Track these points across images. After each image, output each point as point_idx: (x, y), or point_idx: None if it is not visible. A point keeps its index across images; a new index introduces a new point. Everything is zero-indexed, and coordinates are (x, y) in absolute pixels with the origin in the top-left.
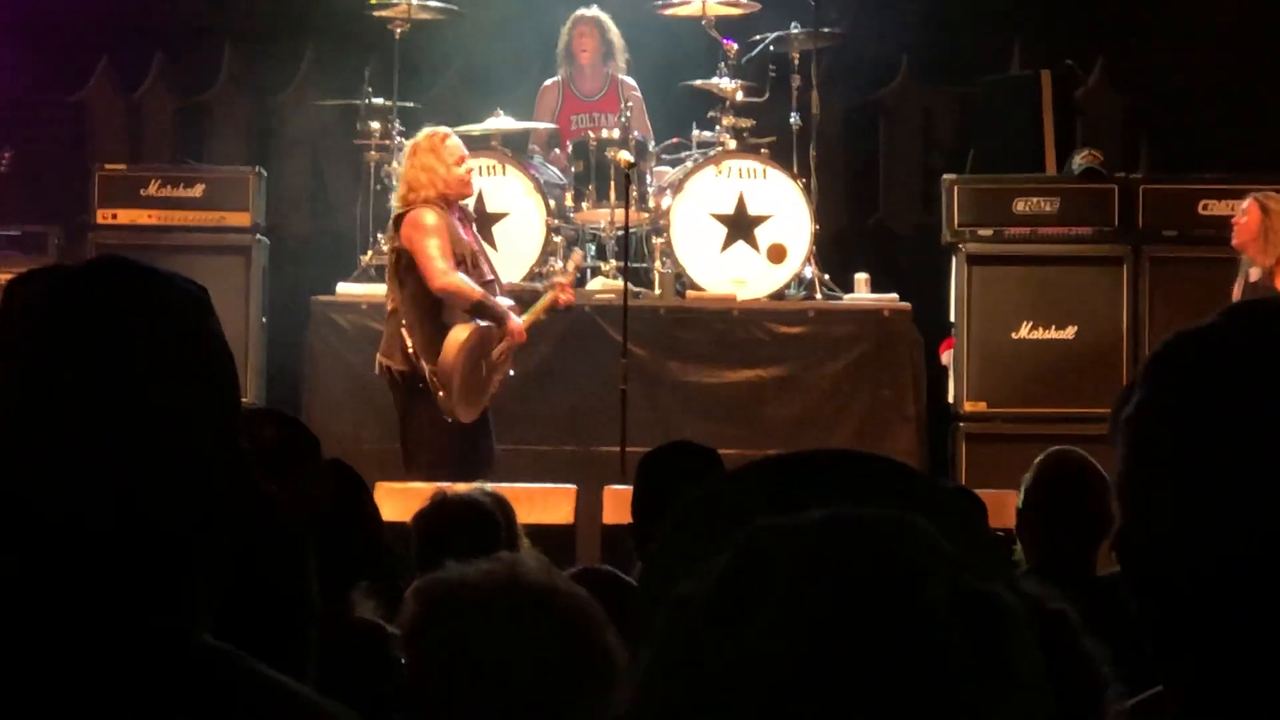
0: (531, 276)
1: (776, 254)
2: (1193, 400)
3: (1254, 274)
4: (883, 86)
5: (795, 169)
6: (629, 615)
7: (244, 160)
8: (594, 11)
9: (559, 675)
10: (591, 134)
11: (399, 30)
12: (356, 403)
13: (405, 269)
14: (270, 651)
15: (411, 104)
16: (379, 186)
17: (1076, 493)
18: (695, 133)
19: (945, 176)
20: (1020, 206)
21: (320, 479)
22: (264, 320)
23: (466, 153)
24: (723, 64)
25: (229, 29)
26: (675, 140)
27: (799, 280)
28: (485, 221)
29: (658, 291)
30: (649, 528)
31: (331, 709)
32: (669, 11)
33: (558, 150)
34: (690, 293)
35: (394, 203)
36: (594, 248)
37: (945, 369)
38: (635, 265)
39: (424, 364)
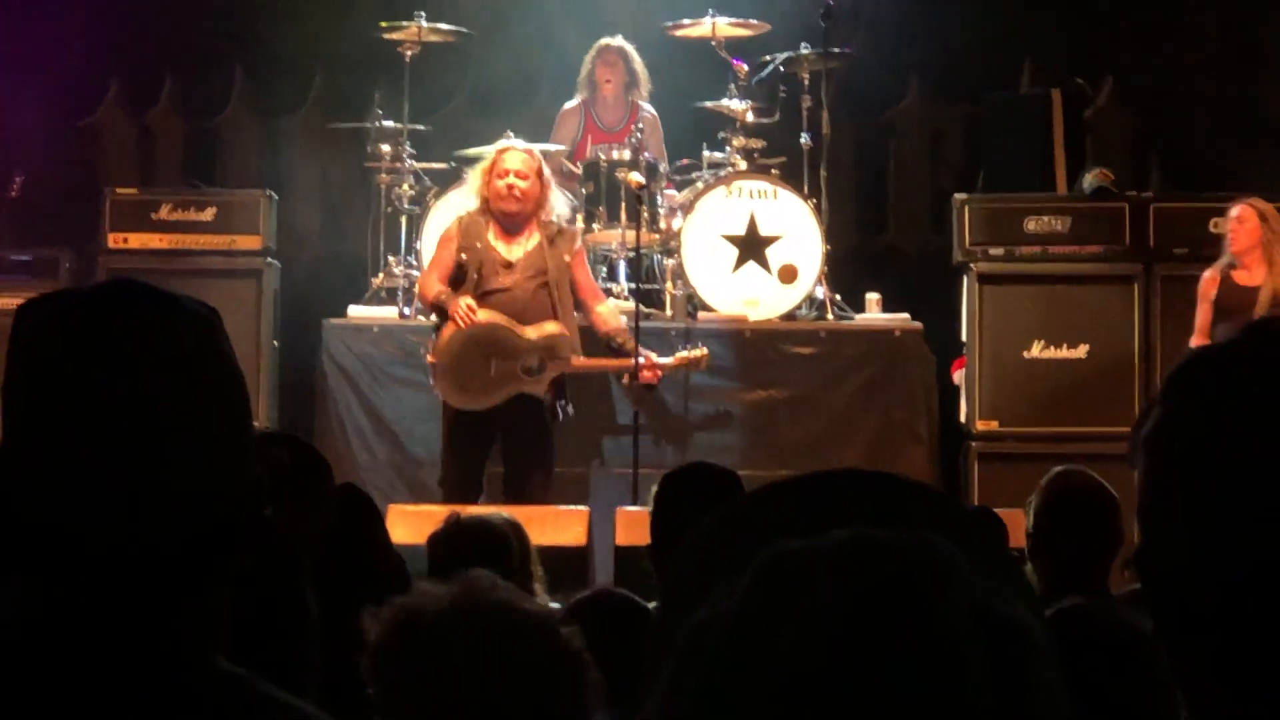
0: None
1: (788, 274)
2: (1211, 418)
3: (1240, 277)
4: (893, 106)
5: (806, 189)
6: (647, 638)
7: (255, 183)
8: (619, 42)
9: (518, 690)
10: (602, 155)
11: (409, 53)
12: (368, 425)
13: None
14: (270, 672)
15: (422, 126)
16: (389, 209)
17: (1085, 512)
18: (706, 154)
19: (956, 196)
20: (1031, 225)
21: (331, 502)
22: (275, 343)
23: (511, 167)
24: (733, 85)
25: (240, 53)
26: (686, 161)
27: (810, 301)
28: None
29: (669, 313)
30: (667, 549)
31: None
32: (679, 33)
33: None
34: (702, 314)
35: None
36: (605, 269)
37: (957, 388)
38: (646, 287)
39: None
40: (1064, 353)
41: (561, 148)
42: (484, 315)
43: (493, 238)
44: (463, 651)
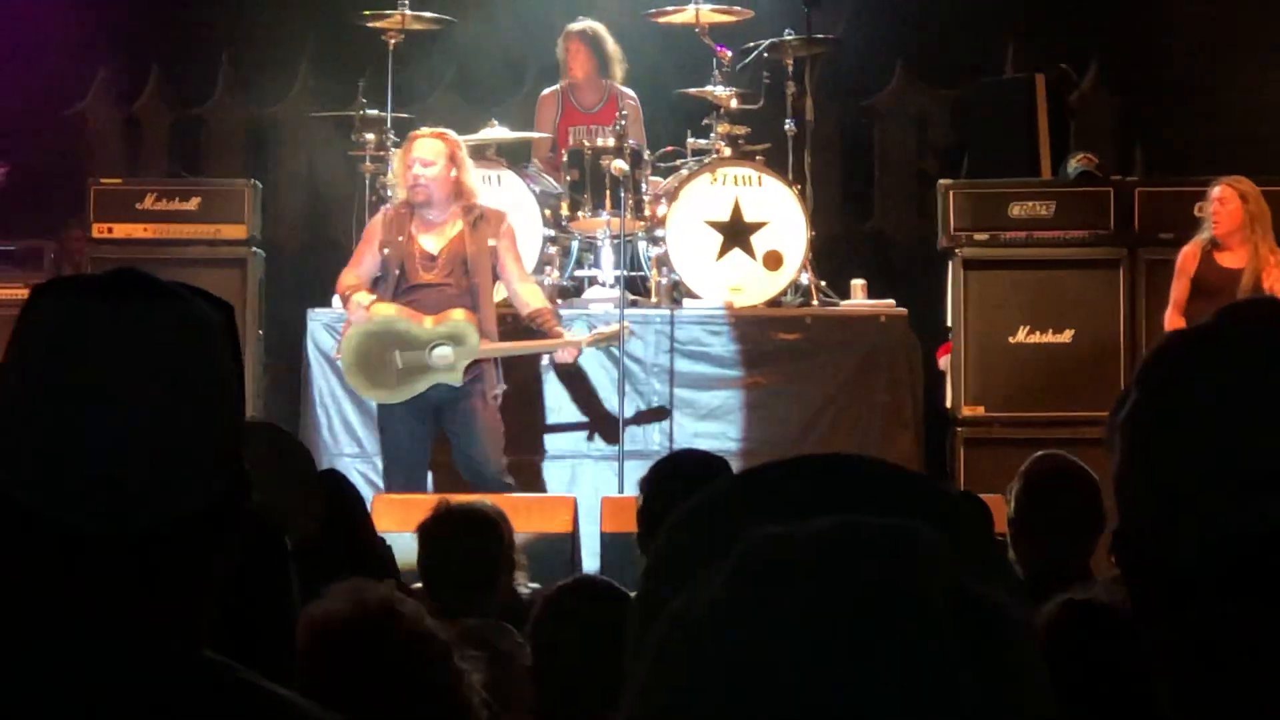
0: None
1: (773, 261)
2: (1186, 402)
3: (1223, 258)
4: (877, 92)
5: (790, 176)
6: (627, 624)
7: (240, 173)
8: (584, 24)
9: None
10: (587, 143)
11: (393, 41)
12: (354, 414)
13: None
14: (253, 660)
15: (406, 115)
16: (374, 198)
17: (1066, 496)
18: (690, 141)
19: (941, 181)
20: (1016, 210)
21: (314, 491)
22: (260, 333)
23: (417, 155)
24: (717, 71)
25: (225, 42)
26: (670, 148)
27: (796, 287)
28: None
29: (655, 299)
30: (653, 535)
31: None
32: (663, 19)
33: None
34: (687, 300)
35: None
36: (591, 256)
37: (943, 374)
38: (632, 274)
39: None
40: (1049, 338)
41: (545, 135)
42: (381, 309)
43: (416, 230)
44: (351, 662)
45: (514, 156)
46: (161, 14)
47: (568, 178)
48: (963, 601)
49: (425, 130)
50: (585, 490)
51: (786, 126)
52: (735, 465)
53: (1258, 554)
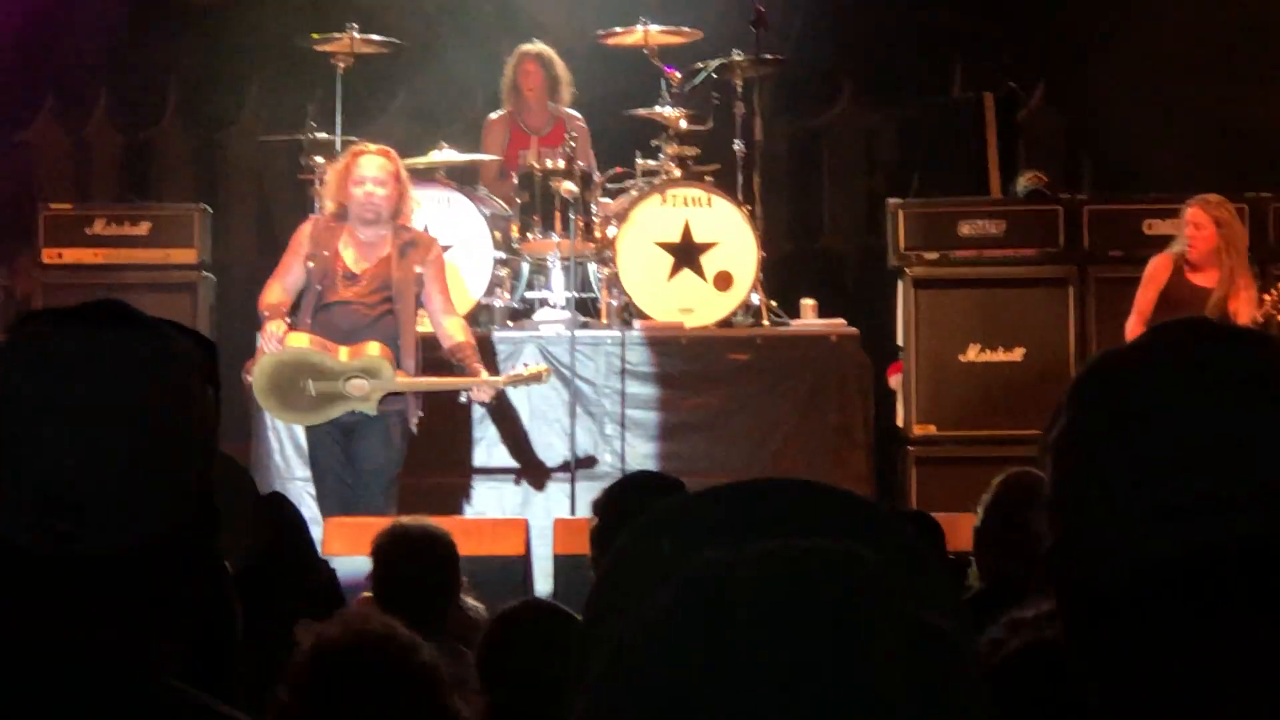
0: (477, 309)
1: (723, 281)
2: (1115, 422)
3: (1194, 277)
4: (826, 111)
5: (740, 196)
6: (571, 648)
7: (191, 197)
8: (538, 47)
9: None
10: (536, 165)
11: (342, 65)
12: (305, 438)
13: None
14: (195, 684)
15: (355, 138)
16: None
17: (1032, 512)
18: (639, 162)
19: (890, 200)
20: (965, 229)
21: (255, 514)
22: None
23: (368, 174)
24: (665, 92)
25: (174, 65)
26: (619, 170)
27: (746, 307)
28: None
29: (605, 321)
30: None
31: None
32: (611, 41)
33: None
34: (638, 322)
35: None
36: (541, 278)
37: (894, 393)
38: (582, 295)
39: None
40: (1000, 356)
41: (494, 158)
42: (293, 340)
43: (343, 245)
44: (356, 691)
45: (462, 179)
46: (110, 38)
47: (518, 200)
48: (904, 626)
49: (371, 146)
50: (537, 512)
51: (736, 147)
52: (688, 486)
53: (1179, 576)
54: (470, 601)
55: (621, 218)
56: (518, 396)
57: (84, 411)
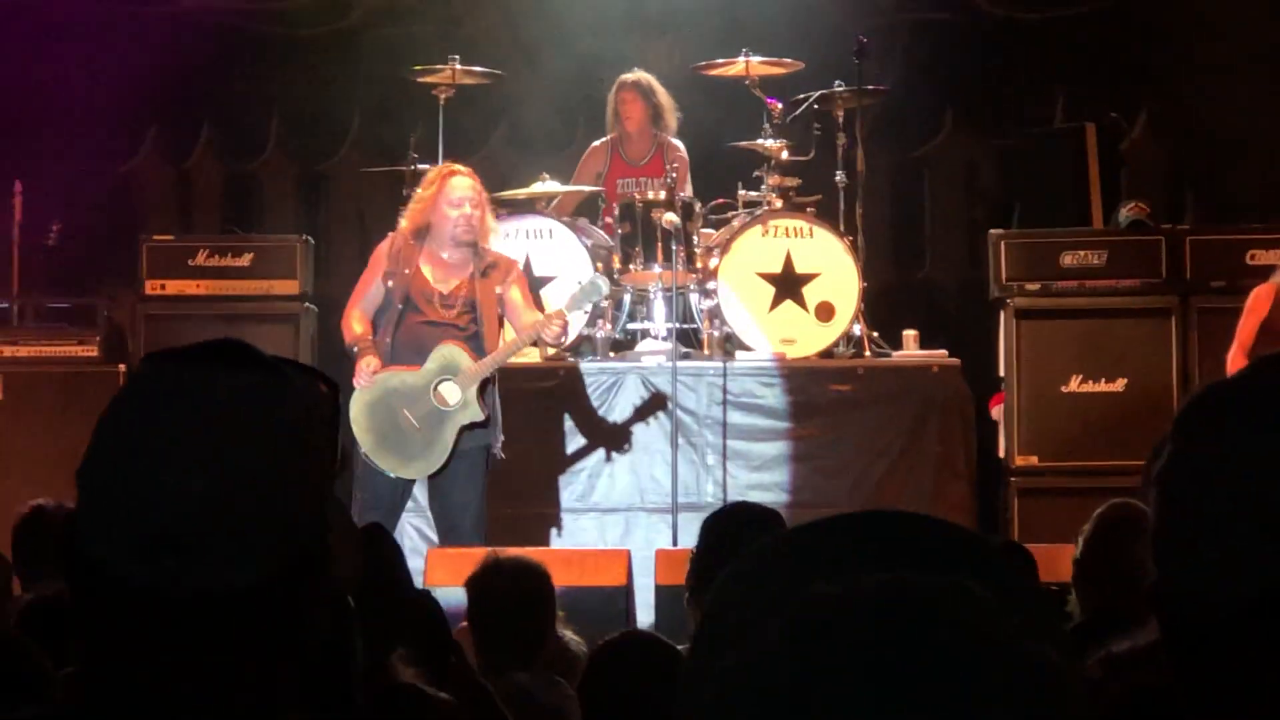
0: (580, 340)
1: (825, 312)
2: (1221, 453)
3: None
4: (927, 142)
5: (842, 226)
6: (677, 680)
7: (292, 228)
8: (636, 75)
9: None
10: (638, 196)
11: (444, 96)
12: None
13: None
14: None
15: None
16: None
17: (1132, 543)
18: (741, 193)
19: (992, 231)
20: (1067, 260)
21: (353, 545)
22: None
23: (464, 195)
24: (767, 124)
25: (277, 97)
26: (721, 200)
27: (848, 338)
28: (533, 285)
29: (707, 352)
30: (707, 589)
31: None
32: (713, 72)
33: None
34: (739, 353)
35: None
36: (644, 309)
37: (996, 423)
38: (684, 326)
39: None
40: (1102, 386)
41: (597, 189)
42: (375, 370)
43: (424, 264)
44: None
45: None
46: (213, 70)
47: (619, 231)
48: (1014, 658)
49: (460, 168)
50: (639, 543)
51: (837, 177)
52: (788, 517)
53: None
54: (568, 634)
55: (723, 248)
56: (619, 427)
57: (201, 451)
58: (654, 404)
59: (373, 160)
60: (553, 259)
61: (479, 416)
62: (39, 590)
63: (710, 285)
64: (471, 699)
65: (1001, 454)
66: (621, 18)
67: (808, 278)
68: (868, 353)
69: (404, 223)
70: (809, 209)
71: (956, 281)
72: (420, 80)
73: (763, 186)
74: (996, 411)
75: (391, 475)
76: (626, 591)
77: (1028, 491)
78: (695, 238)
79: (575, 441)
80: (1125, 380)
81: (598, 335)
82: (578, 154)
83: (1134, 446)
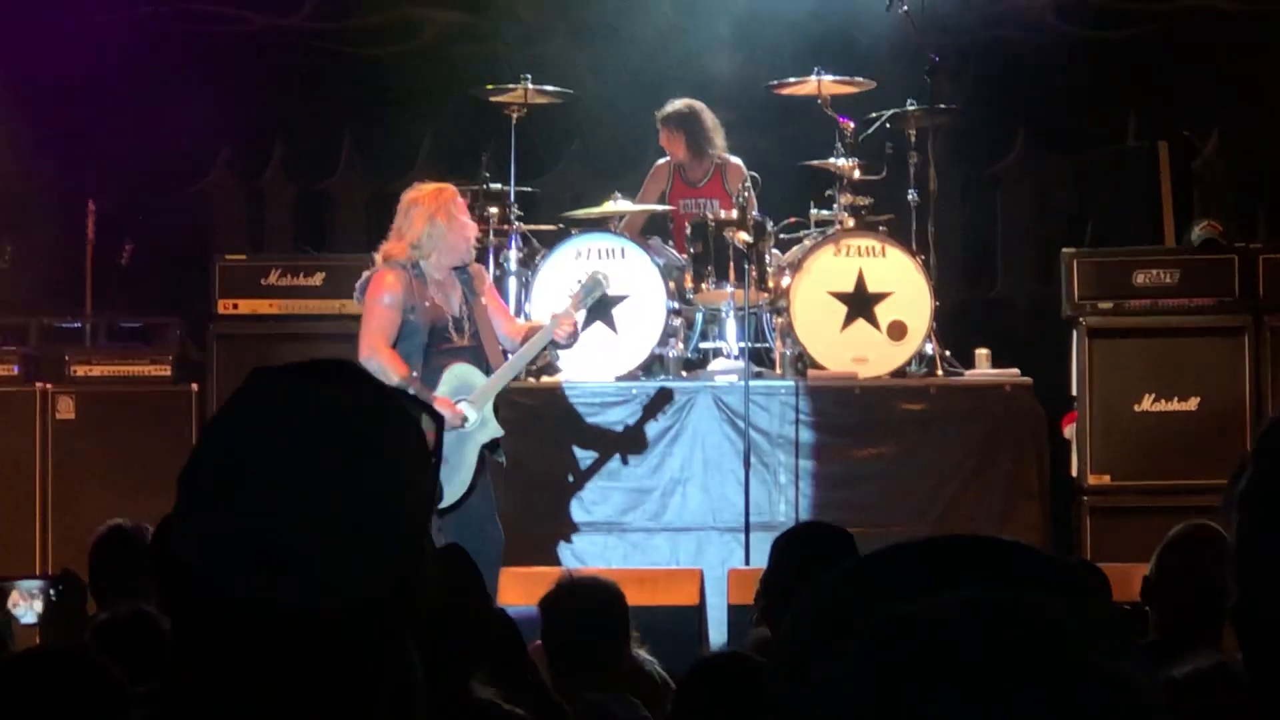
0: (651, 359)
1: (897, 331)
2: None
3: None
4: (999, 160)
5: (914, 245)
6: (761, 696)
7: (365, 247)
8: (667, 110)
9: None
10: (710, 215)
11: (516, 115)
12: None
13: None
14: None
15: (529, 188)
16: (498, 271)
17: (1206, 563)
18: (813, 212)
19: (1064, 250)
20: (1140, 278)
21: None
22: None
23: (466, 217)
24: (839, 143)
25: (348, 117)
26: (793, 219)
27: (920, 357)
28: (605, 304)
29: (779, 371)
30: (781, 609)
31: None
32: (785, 91)
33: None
34: (811, 371)
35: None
36: (715, 329)
37: (1068, 442)
38: (756, 345)
39: None
40: (1175, 405)
41: (666, 207)
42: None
43: (434, 291)
44: None
45: (646, 230)
46: (285, 89)
47: (691, 250)
48: (1094, 675)
49: (446, 185)
50: (711, 562)
51: (909, 196)
52: (860, 536)
53: None
54: (642, 654)
55: (795, 267)
56: (691, 446)
57: (313, 469)
58: (727, 423)
59: (444, 179)
60: (626, 278)
61: (499, 433)
62: (115, 610)
63: (782, 304)
64: (548, 717)
65: (1074, 473)
66: (692, 36)
67: (880, 296)
68: (940, 372)
69: (412, 252)
70: (881, 228)
71: (1028, 300)
72: (492, 100)
73: (835, 205)
74: (1069, 431)
75: None
76: (699, 611)
77: (1100, 511)
78: (767, 256)
79: (648, 461)
80: (1198, 399)
81: (669, 354)
82: (647, 174)
83: (1207, 466)
